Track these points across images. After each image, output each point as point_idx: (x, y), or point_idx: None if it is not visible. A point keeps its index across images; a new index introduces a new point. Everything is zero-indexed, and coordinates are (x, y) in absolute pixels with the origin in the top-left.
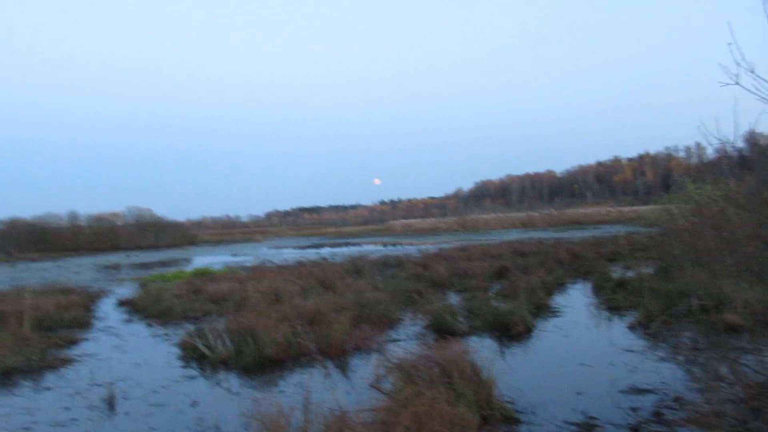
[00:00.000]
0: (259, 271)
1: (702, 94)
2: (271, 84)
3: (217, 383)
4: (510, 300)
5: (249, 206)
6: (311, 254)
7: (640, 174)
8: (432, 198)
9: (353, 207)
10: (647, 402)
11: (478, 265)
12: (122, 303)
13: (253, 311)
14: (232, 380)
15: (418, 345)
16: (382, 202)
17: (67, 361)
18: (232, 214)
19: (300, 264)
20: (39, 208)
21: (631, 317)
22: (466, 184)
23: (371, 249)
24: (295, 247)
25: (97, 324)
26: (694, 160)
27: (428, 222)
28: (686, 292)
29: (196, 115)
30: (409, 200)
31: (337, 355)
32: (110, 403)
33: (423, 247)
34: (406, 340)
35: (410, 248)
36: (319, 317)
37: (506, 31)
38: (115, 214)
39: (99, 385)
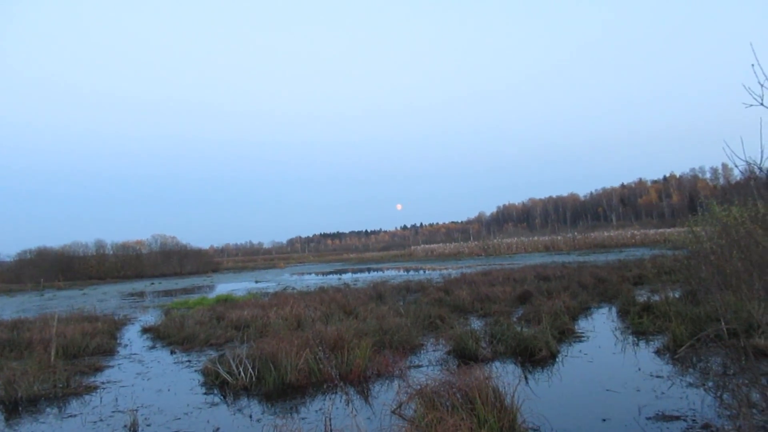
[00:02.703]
0: (281, 298)
1: (727, 115)
2: (294, 111)
3: (239, 410)
4: (533, 325)
5: (271, 233)
6: (333, 280)
7: (665, 196)
8: (454, 222)
9: (375, 232)
10: (675, 429)
11: (500, 290)
12: (146, 330)
13: (275, 337)
14: (254, 407)
15: (440, 371)
16: (404, 228)
17: (91, 388)
18: (254, 241)
19: (322, 290)
20: (66, 237)
21: (657, 342)
22: (489, 209)
23: (393, 274)
24: (317, 273)
25: (121, 351)
26: (721, 181)
27: (450, 247)
28: (714, 316)
29: (219, 144)
30: (431, 225)
31: (359, 381)
32: (133, 430)
33: (445, 271)
34: (428, 366)
35: (432, 273)
36: (340, 343)
37: (530, 58)
38: (140, 242)
39: (122, 412)
